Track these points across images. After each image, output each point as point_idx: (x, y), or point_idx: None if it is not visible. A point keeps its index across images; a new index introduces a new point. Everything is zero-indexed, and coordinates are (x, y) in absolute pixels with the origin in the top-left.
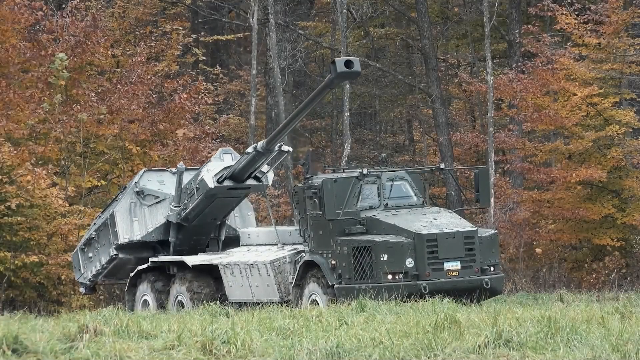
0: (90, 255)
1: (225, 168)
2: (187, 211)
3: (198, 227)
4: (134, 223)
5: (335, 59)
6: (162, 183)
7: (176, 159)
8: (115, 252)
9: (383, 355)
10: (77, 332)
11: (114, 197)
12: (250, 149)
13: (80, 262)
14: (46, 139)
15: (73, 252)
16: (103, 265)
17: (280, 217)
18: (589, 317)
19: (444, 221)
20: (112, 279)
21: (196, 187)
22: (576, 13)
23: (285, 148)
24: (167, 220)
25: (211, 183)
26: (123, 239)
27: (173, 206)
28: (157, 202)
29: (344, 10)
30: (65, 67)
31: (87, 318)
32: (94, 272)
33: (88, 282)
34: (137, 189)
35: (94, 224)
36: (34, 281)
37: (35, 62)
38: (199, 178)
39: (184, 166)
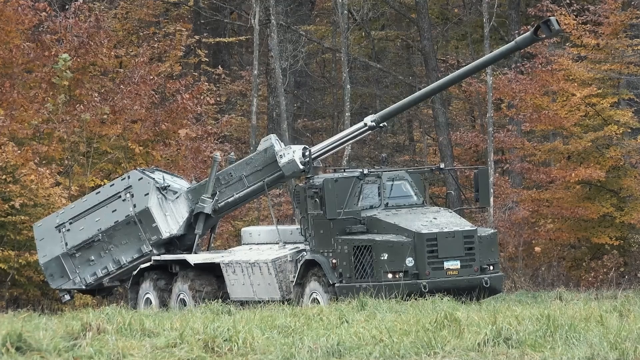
0: (92, 257)
1: (305, 148)
2: (228, 200)
3: (219, 218)
4: (167, 218)
5: (550, 18)
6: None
7: (178, 158)
8: (150, 249)
9: (383, 353)
10: (81, 330)
11: (87, 201)
12: (360, 124)
13: (67, 268)
14: (50, 138)
15: (45, 261)
16: (123, 264)
17: (281, 216)
18: (587, 316)
19: (444, 220)
20: (118, 280)
21: (262, 169)
22: (575, 14)
23: (382, 123)
24: (199, 212)
25: (301, 165)
26: (165, 233)
27: (205, 197)
28: (177, 197)
29: (345, 12)
30: (69, 67)
31: (90, 316)
32: (100, 275)
33: (84, 287)
34: (161, 185)
35: (67, 228)
36: (37, 279)
37: (38, 62)
38: (285, 161)
39: (219, 157)
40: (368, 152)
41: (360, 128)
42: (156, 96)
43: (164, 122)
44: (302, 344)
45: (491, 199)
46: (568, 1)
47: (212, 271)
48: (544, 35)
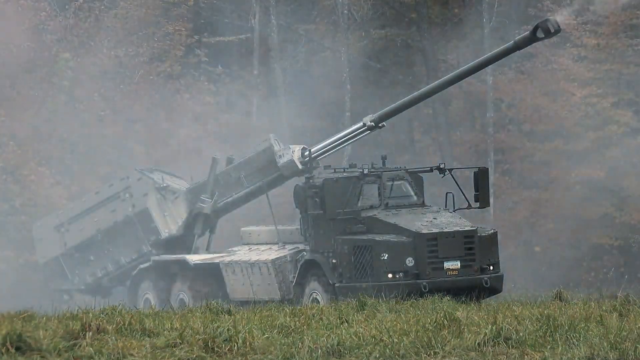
0: (91, 258)
1: (304, 148)
2: (227, 201)
3: (218, 218)
4: (167, 218)
5: (549, 18)
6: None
7: (178, 158)
8: (149, 249)
9: (383, 353)
10: (80, 330)
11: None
12: (359, 124)
13: (67, 268)
14: (50, 138)
15: (44, 262)
16: (123, 264)
17: (281, 216)
18: (587, 315)
19: (444, 220)
20: (117, 280)
21: (261, 169)
22: (575, 14)
23: (381, 123)
24: (198, 212)
25: (299, 164)
26: (164, 234)
27: (204, 197)
28: (176, 198)
29: (345, 12)
30: (69, 67)
31: (90, 316)
32: (99, 275)
33: (83, 287)
34: (160, 185)
35: (67, 229)
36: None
37: (39, 62)
38: (284, 161)
39: (219, 157)
40: (368, 152)
41: (359, 128)
42: (156, 96)
43: (163, 122)
44: (302, 344)
45: (491, 199)
46: (569, 1)
47: (212, 271)
48: (543, 36)
